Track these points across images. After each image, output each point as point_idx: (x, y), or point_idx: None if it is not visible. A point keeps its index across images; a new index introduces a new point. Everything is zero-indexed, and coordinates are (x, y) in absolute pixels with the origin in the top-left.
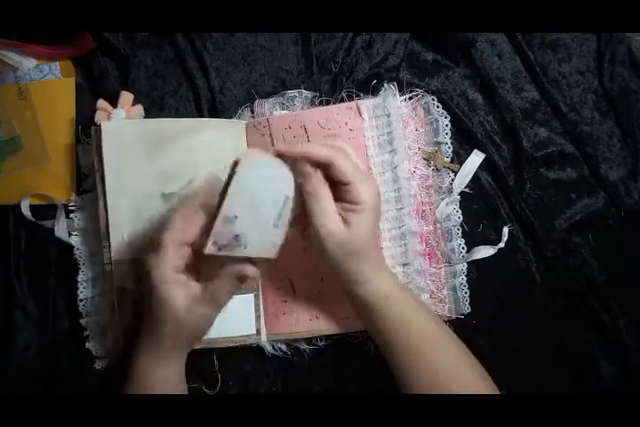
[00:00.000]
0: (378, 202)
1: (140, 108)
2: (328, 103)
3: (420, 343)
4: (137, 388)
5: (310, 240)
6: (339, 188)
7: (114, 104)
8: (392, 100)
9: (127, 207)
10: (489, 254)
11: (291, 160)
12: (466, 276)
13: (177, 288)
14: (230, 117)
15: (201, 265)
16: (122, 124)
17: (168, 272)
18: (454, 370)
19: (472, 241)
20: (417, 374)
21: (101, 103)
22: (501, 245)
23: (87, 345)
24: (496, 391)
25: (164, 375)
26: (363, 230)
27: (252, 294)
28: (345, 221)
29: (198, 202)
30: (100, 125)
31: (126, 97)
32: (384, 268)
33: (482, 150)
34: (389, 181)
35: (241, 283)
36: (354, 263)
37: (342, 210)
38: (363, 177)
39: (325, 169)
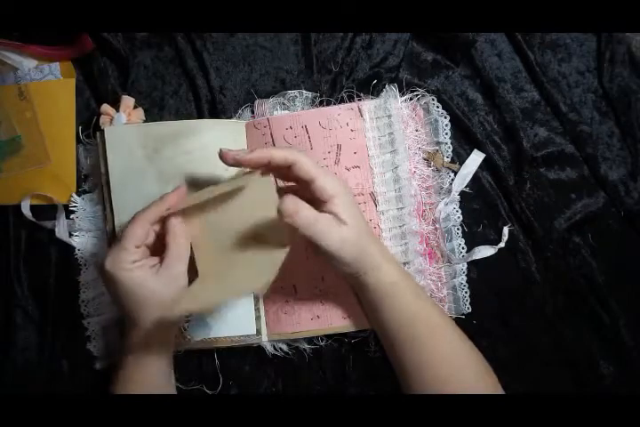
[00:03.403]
0: (344, 188)
1: (140, 112)
2: (328, 103)
3: (426, 332)
4: (119, 384)
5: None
6: (305, 193)
7: (114, 105)
8: (393, 102)
9: (132, 210)
10: (489, 254)
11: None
12: (466, 276)
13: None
14: (230, 117)
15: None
16: (124, 128)
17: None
18: (458, 365)
19: (472, 241)
20: (418, 371)
21: (105, 108)
22: (501, 245)
23: (88, 346)
24: (498, 386)
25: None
26: (355, 219)
27: (252, 295)
28: (337, 220)
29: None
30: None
31: (127, 101)
32: (388, 253)
33: (482, 150)
34: (390, 181)
35: None
36: (362, 253)
37: (326, 212)
38: (322, 171)
39: (288, 169)
